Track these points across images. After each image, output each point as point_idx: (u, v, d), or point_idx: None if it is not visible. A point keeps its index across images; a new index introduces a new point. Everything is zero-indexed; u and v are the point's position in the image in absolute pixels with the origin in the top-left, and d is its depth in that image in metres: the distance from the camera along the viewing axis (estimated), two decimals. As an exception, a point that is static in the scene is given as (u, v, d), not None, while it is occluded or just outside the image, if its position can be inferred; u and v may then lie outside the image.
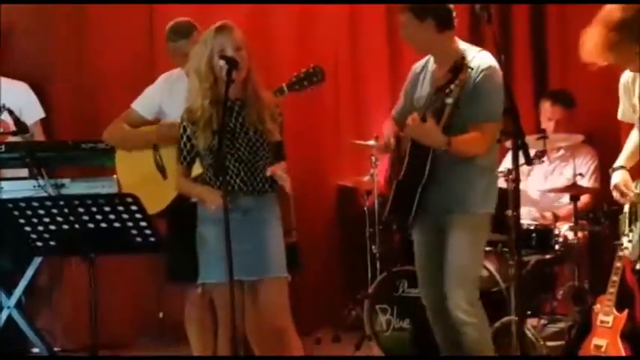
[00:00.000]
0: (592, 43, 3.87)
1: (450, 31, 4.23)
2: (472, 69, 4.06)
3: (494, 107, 3.98)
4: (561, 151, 5.88)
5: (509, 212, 4.85)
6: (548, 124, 5.70)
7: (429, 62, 4.37)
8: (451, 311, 4.19)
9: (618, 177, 4.24)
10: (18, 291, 5.06)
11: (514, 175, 3.59)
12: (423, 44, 4.28)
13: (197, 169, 4.06)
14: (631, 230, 4.19)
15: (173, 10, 5.49)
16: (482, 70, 4.13)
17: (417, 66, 4.45)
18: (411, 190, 4.19)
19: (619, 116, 4.38)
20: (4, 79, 5.49)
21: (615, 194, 4.25)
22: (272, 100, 4.09)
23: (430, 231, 4.31)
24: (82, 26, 6.04)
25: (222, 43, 3.88)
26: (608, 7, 3.91)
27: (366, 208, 5.98)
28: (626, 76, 4.23)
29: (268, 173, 3.89)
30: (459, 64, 3.99)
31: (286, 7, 6.34)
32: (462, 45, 4.28)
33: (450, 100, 4.02)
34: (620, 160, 4.32)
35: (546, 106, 5.81)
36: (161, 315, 6.00)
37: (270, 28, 6.26)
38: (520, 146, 3.49)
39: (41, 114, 5.64)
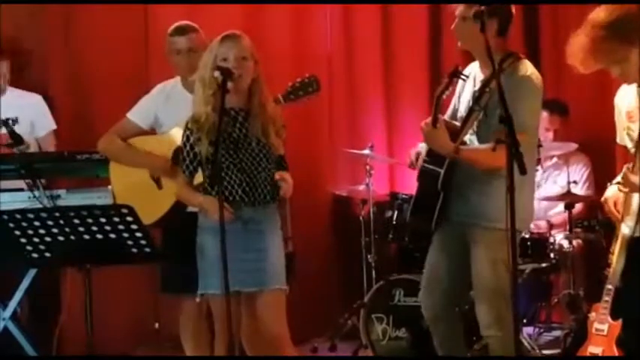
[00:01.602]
0: (577, 43, 3.82)
1: (505, 38, 4.07)
2: (512, 72, 3.83)
3: (519, 117, 3.64)
4: (554, 159, 5.90)
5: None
6: (546, 135, 5.72)
7: (474, 68, 4.22)
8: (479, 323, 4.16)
9: (610, 192, 4.06)
10: (13, 302, 5.05)
11: (508, 184, 3.58)
12: (474, 42, 4.02)
13: (197, 178, 4.06)
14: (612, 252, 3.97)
15: (168, 15, 5.50)
16: (513, 78, 3.96)
17: (466, 72, 4.22)
18: (432, 197, 4.10)
19: (617, 140, 4.14)
20: (17, 91, 5.56)
21: (605, 207, 4.07)
22: (278, 113, 4.06)
23: (451, 239, 4.22)
24: (76, 32, 6.01)
25: (225, 52, 3.88)
26: (595, 10, 3.87)
27: (361, 217, 5.98)
28: (618, 96, 4.06)
29: (277, 177, 3.89)
30: (497, 68, 3.80)
31: (281, 11, 6.34)
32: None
33: (477, 108, 3.95)
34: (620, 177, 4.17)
35: (544, 116, 5.80)
36: (157, 325, 5.99)
37: (264, 31, 6.24)
38: (514, 155, 3.48)
39: (53, 125, 5.65)
